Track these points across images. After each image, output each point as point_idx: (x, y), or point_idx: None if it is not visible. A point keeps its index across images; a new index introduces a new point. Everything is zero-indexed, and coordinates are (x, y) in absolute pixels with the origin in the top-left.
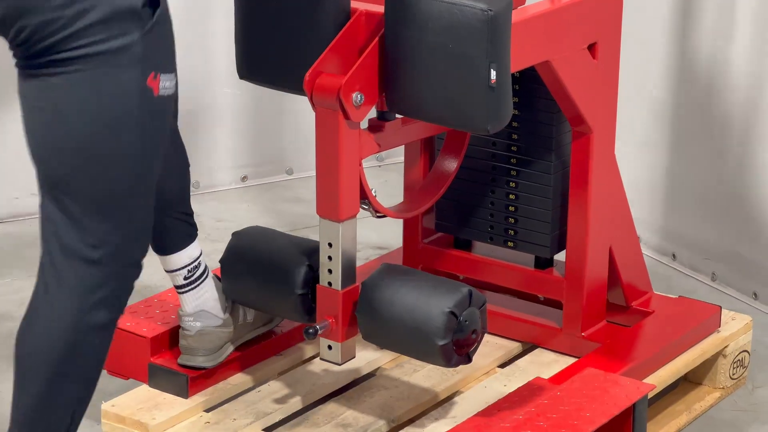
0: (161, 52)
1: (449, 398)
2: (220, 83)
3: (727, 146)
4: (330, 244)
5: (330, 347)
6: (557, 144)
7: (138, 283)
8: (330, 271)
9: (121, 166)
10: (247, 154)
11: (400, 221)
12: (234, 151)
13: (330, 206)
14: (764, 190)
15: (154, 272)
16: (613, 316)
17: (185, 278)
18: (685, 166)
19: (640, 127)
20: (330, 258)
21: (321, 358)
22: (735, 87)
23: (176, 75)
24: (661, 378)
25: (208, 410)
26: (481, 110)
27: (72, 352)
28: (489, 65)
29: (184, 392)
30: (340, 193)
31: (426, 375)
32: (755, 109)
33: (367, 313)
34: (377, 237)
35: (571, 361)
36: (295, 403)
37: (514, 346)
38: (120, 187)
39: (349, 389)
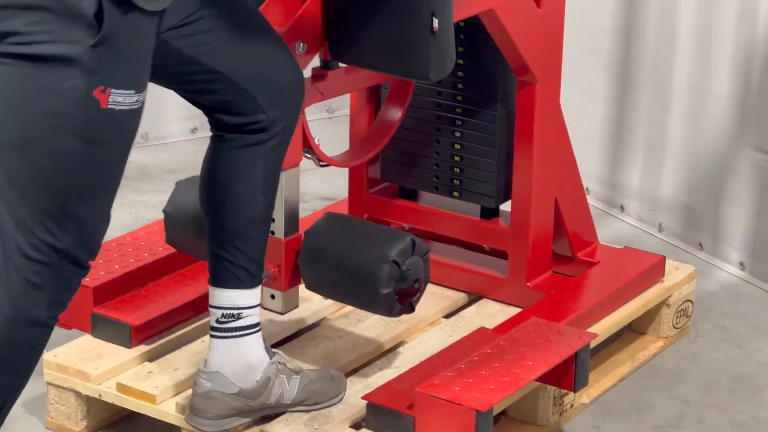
0: (117, 68)
1: (394, 348)
2: None
3: (674, 98)
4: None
5: (273, 296)
6: (503, 94)
7: None
8: (273, 219)
9: (61, 168)
10: None
11: (348, 171)
12: (183, 102)
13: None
14: (711, 141)
15: None
16: (559, 266)
17: (218, 321)
18: (633, 118)
19: (587, 79)
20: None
21: (264, 308)
22: (682, 38)
23: (139, 93)
24: (604, 327)
25: (151, 360)
26: (423, 58)
27: (7, 346)
28: (431, 13)
29: (127, 342)
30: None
31: (371, 325)
32: (702, 60)
33: (309, 262)
34: (326, 188)
35: (516, 311)
36: None
37: (460, 297)
38: (62, 189)
39: (293, 339)
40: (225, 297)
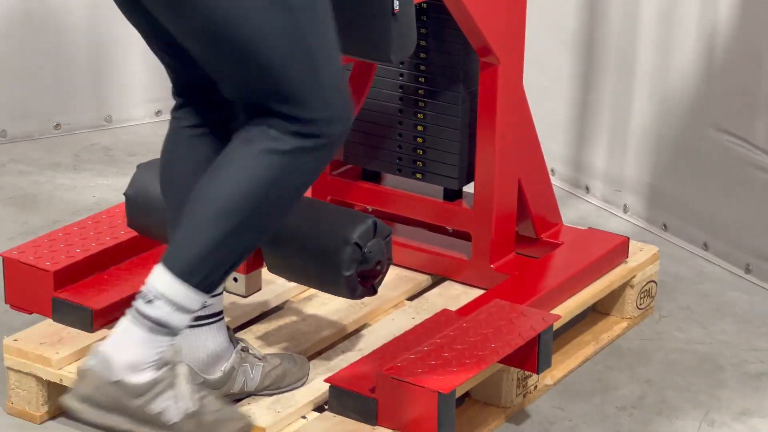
0: None
1: (357, 331)
2: None
3: (638, 78)
4: None
5: (235, 279)
6: (466, 75)
7: (46, 217)
8: None
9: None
10: (161, 88)
11: None
12: (147, 85)
13: None
14: (675, 122)
15: (63, 207)
16: (523, 248)
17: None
18: (598, 99)
19: (553, 60)
20: None
21: (226, 291)
22: (646, 19)
23: None
24: (568, 309)
25: None
26: (384, 40)
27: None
28: None
29: (89, 326)
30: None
31: (334, 308)
32: (666, 42)
33: (271, 245)
34: None
35: (479, 293)
36: None
37: (423, 279)
38: (308, 42)
39: (256, 322)
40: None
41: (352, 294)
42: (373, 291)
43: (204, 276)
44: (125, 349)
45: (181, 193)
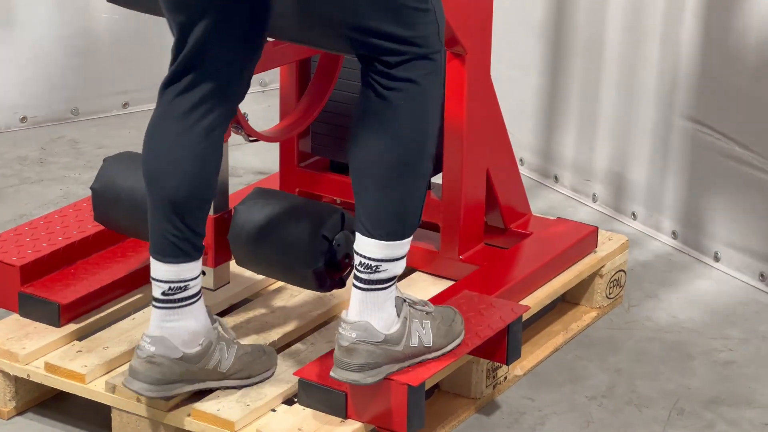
0: None
1: (326, 323)
2: (97, 8)
3: (606, 67)
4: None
5: (203, 273)
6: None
7: (10, 212)
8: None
9: None
10: (128, 80)
11: (277, 146)
12: (114, 77)
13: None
14: (643, 111)
15: (29, 200)
16: (492, 238)
17: (164, 293)
18: (566, 89)
19: (520, 50)
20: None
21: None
22: (614, 8)
23: None
24: (537, 299)
25: (80, 339)
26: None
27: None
28: None
29: (56, 321)
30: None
31: (303, 300)
32: (634, 30)
33: (238, 238)
34: (259, 162)
35: (449, 284)
36: None
37: None
38: None
39: (225, 314)
40: (171, 271)
41: (321, 287)
42: (341, 283)
43: (408, 225)
44: (374, 313)
45: (177, 184)
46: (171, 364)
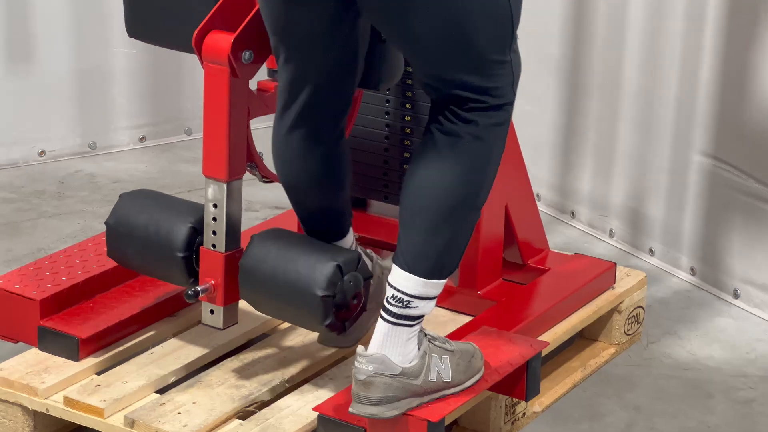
0: None
1: (344, 358)
2: (115, 43)
3: (623, 103)
4: (215, 205)
5: (212, 311)
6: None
7: (28, 246)
8: (214, 233)
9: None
10: (145, 114)
11: None
12: (131, 111)
13: (216, 166)
14: (660, 146)
15: (47, 234)
16: (510, 274)
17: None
18: (582, 124)
19: (537, 86)
20: (215, 219)
21: (202, 323)
22: (631, 45)
23: None
24: (556, 335)
25: (99, 373)
26: (372, 67)
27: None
28: None
29: (75, 355)
30: (226, 153)
31: None
32: (650, 67)
33: (249, 277)
34: (274, 197)
35: (467, 319)
36: (189, 365)
37: None
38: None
39: (243, 350)
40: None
41: (324, 318)
42: (342, 327)
43: (447, 266)
44: (395, 347)
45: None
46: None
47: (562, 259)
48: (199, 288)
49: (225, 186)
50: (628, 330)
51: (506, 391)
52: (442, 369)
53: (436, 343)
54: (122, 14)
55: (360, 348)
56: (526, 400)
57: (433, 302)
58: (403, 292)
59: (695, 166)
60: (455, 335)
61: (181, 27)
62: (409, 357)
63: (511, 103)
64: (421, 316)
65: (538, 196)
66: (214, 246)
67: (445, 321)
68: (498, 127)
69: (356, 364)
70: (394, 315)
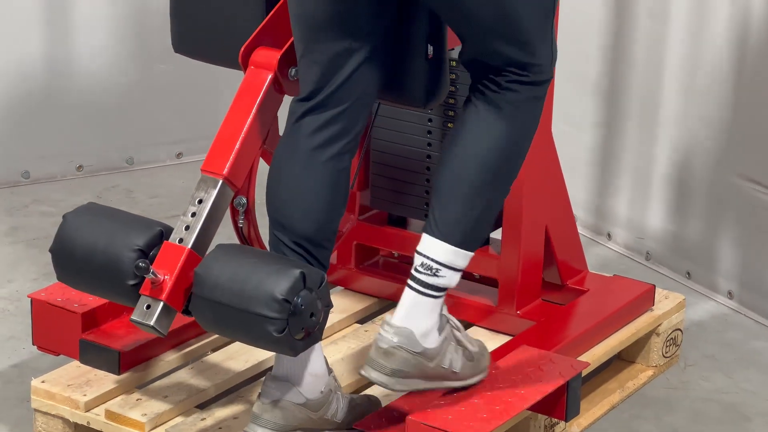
0: None
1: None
2: (153, 59)
3: (661, 125)
4: (200, 201)
5: (148, 307)
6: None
7: None
8: (187, 227)
9: None
10: (182, 130)
11: None
12: (169, 127)
13: (218, 162)
14: (698, 169)
15: None
16: (549, 294)
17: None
18: (620, 146)
19: (575, 107)
20: (193, 215)
21: (131, 319)
22: (669, 67)
23: None
24: (594, 356)
25: (140, 387)
26: (417, 85)
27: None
28: (426, 39)
29: (116, 369)
30: (235, 152)
31: (362, 352)
32: (688, 90)
33: (199, 298)
34: None
35: (506, 339)
36: (229, 380)
37: None
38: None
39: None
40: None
41: (294, 352)
42: (315, 339)
43: (477, 238)
44: (419, 319)
45: (298, 217)
46: (294, 409)
47: (601, 281)
48: (152, 269)
49: (219, 183)
50: (666, 352)
51: (546, 411)
52: (455, 358)
53: (457, 333)
54: (161, 30)
55: (388, 316)
56: (566, 421)
57: (459, 275)
58: (432, 260)
59: (733, 189)
60: (495, 355)
61: (228, 43)
62: (430, 337)
63: (549, 81)
64: (446, 288)
65: (575, 217)
66: (180, 240)
67: (484, 340)
68: (537, 101)
69: (381, 331)
70: (421, 283)
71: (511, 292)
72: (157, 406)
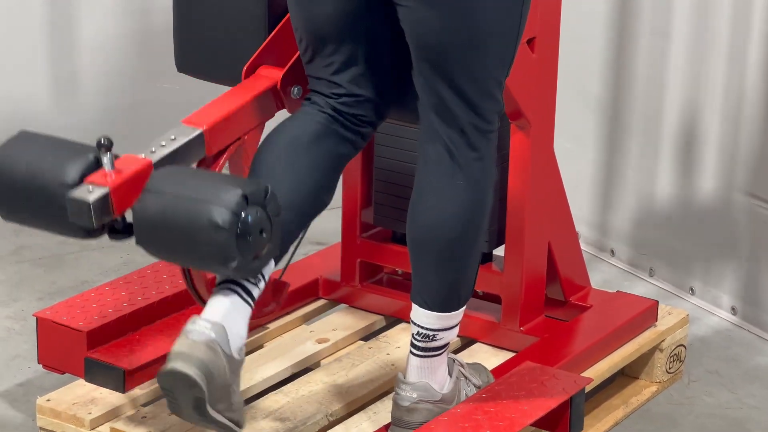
0: None
1: (387, 393)
2: (159, 79)
3: (664, 141)
4: (173, 138)
5: (90, 191)
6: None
7: (74, 278)
8: (152, 151)
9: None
10: None
11: (339, 215)
12: None
13: (201, 118)
14: (701, 186)
15: (91, 267)
16: (552, 310)
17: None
18: (623, 163)
19: (577, 124)
20: (162, 146)
21: (68, 197)
22: (672, 84)
23: None
24: (598, 372)
25: (145, 405)
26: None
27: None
28: None
29: (121, 387)
30: (221, 117)
31: (365, 370)
32: (691, 106)
33: (148, 201)
34: (315, 233)
35: (509, 355)
36: None
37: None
38: (507, 59)
39: (287, 383)
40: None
41: (226, 261)
42: (258, 265)
43: (464, 297)
44: (433, 375)
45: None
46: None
47: (604, 297)
48: (111, 151)
49: (196, 132)
50: (670, 368)
51: (549, 427)
52: (468, 392)
53: (463, 370)
54: (169, 50)
55: (400, 375)
56: None
57: (456, 329)
58: (426, 328)
59: (737, 206)
60: (498, 371)
61: (230, 62)
62: (443, 383)
63: (496, 132)
64: (447, 344)
65: (578, 234)
66: (147, 155)
67: (487, 356)
68: (494, 154)
69: (398, 391)
70: (422, 349)
71: (514, 309)
72: (163, 424)
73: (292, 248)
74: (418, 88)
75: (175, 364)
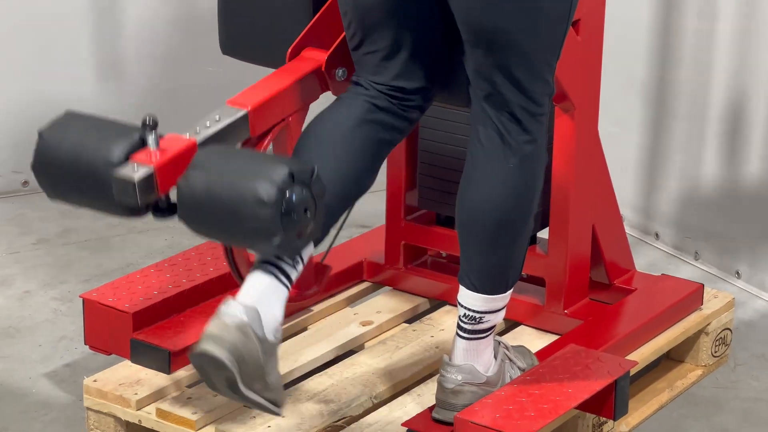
0: None
1: (431, 375)
2: (202, 61)
3: (710, 125)
4: (218, 119)
5: (135, 169)
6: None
7: (120, 260)
8: (197, 131)
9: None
10: None
11: (383, 198)
12: None
13: (246, 99)
14: (746, 169)
15: (136, 249)
16: (596, 293)
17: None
18: (668, 146)
19: (622, 107)
20: (206, 126)
21: (115, 194)
22: (718, 67)
23: None
24: (643, 355)
25: (190, 386)
26: (465, 85)
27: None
28: None
29: (166, 368)
30: (267, 98)
31: (410, 352)
32: (737, 89)
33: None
34: (359, 215)
35: (553, 338)
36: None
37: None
38: (558, 42)
39: (331, 365)
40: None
41: (270, 236)
42: (301, 243)
43: (512, 280)
44: (476, 358)
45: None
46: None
47: (649, 280)
48: (156, 130)
49: (241, 112)
50: (716, 352)
51: (594, 410)
52: (513, 375)
53: (508, 353)
54: (211, 33)
55: (446, 357)
56: (615, 420)
57: (503, 312)
58: (473, 311)
59: None
60: (542, 354)
61: (275, 44)
62: (488, 365)
63: (546, 115)
64: (494, 327)
65: (622, 217)
66: (192, 134)
67: (531, 339)
68: (545, 137)
69: (443, 373)
70: (469, 332)
71: (558, 292)
72: (208, 405)
73: (333, 231)
74: (470, 73)
75: (205, 346)
